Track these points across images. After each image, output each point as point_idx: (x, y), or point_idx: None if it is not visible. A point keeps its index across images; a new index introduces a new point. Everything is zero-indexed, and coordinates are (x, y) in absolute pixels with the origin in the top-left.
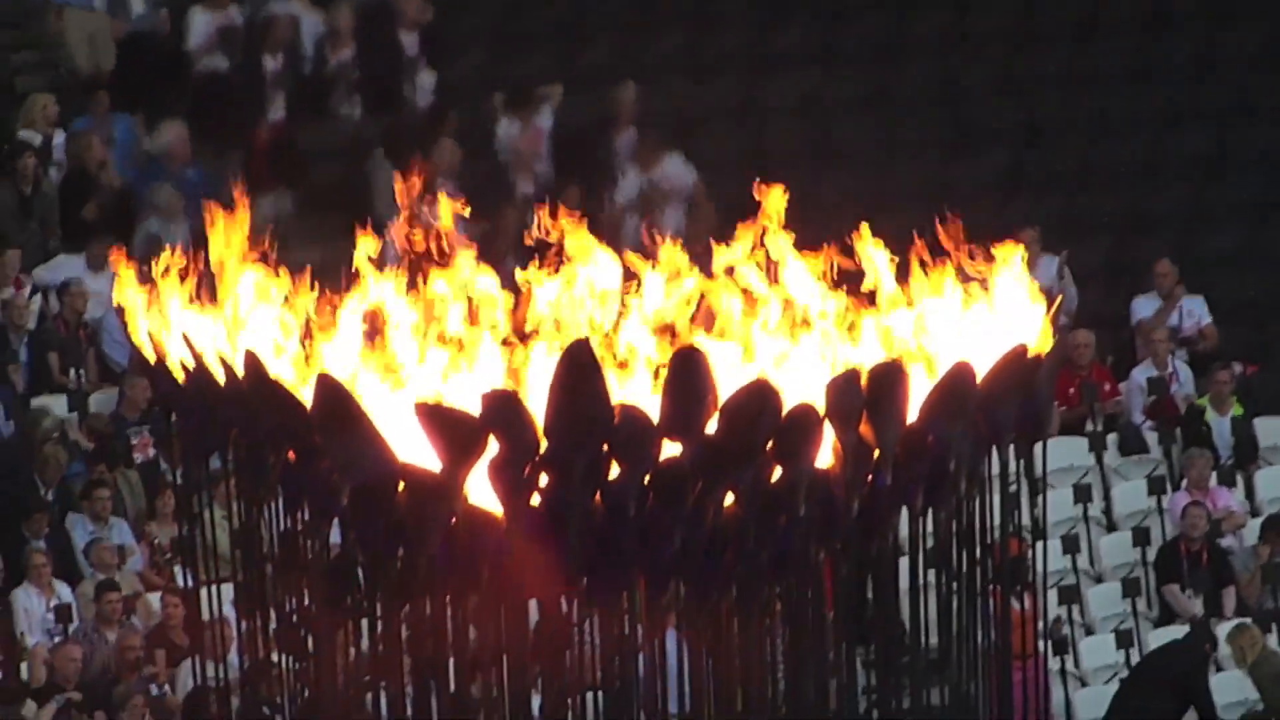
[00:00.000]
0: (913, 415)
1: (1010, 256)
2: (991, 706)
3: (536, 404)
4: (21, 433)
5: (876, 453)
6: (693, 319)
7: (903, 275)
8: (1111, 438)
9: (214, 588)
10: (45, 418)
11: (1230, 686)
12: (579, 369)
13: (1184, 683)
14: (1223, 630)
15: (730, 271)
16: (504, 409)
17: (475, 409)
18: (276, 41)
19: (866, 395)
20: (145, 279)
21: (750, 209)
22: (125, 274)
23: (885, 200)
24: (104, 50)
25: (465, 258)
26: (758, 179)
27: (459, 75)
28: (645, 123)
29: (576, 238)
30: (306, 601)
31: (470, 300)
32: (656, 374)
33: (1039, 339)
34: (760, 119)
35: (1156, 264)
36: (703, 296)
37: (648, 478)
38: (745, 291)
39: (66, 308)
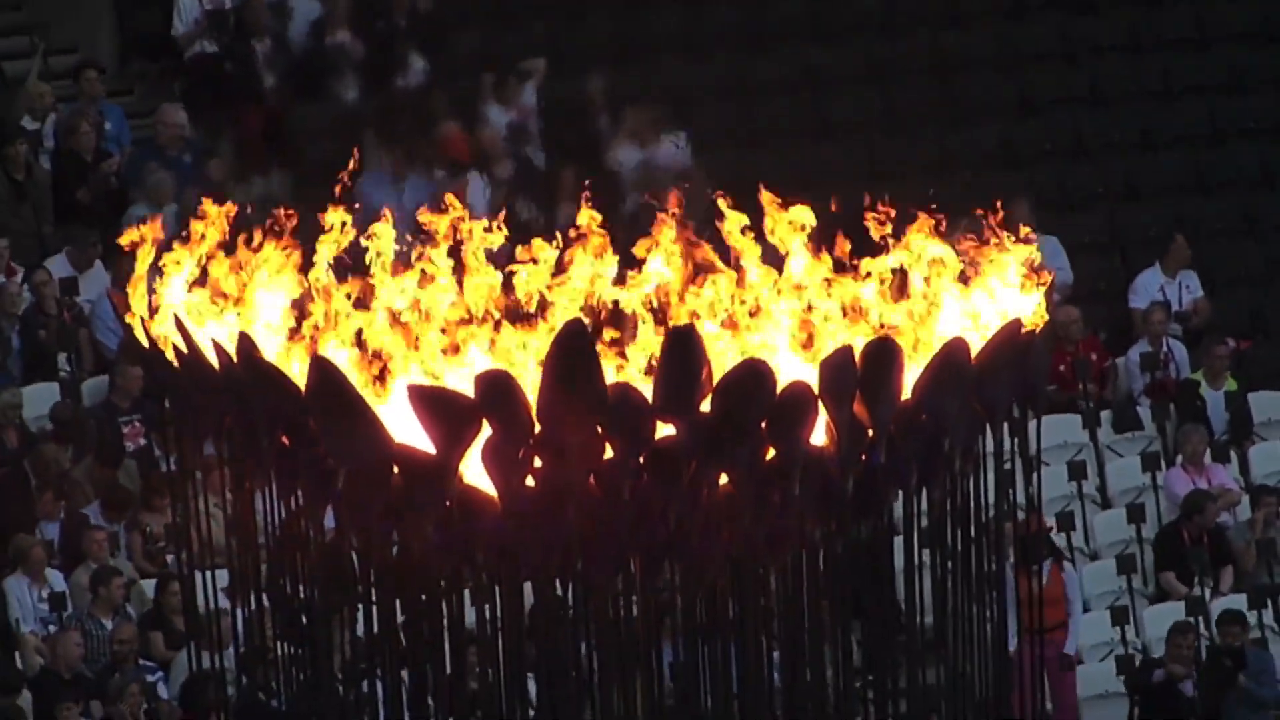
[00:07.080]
0: (907, 392)
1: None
2: (988, 685)
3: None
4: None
5: (871, 431)
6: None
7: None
8: (1105, 415)
9: (208, 574)
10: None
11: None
12: (572, 349)
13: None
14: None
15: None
16: (498, 390)
17: (469, 391)
18: (259, 25)
19: (860, 373)
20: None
21: (744, 185)
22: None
23: (879, 173)
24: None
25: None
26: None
27: (451, 55)
28: (639, 100)
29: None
30: (302, 586)
31: (462, 281)
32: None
33: (1033, 316)
34: (754, 94)
35: (1173, 239)
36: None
37: (642, 458)
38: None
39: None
